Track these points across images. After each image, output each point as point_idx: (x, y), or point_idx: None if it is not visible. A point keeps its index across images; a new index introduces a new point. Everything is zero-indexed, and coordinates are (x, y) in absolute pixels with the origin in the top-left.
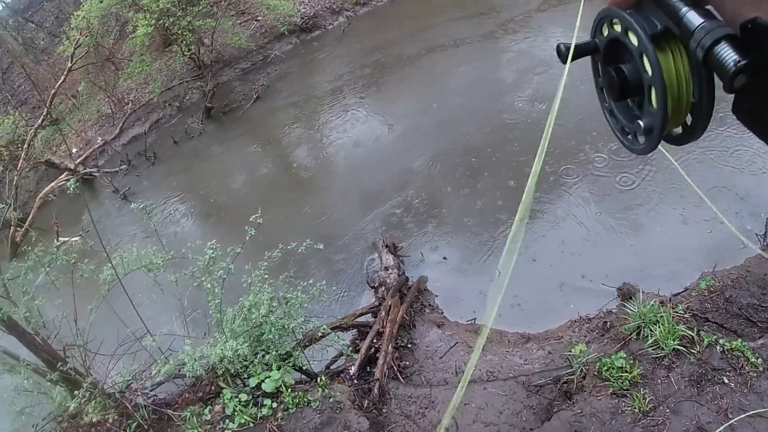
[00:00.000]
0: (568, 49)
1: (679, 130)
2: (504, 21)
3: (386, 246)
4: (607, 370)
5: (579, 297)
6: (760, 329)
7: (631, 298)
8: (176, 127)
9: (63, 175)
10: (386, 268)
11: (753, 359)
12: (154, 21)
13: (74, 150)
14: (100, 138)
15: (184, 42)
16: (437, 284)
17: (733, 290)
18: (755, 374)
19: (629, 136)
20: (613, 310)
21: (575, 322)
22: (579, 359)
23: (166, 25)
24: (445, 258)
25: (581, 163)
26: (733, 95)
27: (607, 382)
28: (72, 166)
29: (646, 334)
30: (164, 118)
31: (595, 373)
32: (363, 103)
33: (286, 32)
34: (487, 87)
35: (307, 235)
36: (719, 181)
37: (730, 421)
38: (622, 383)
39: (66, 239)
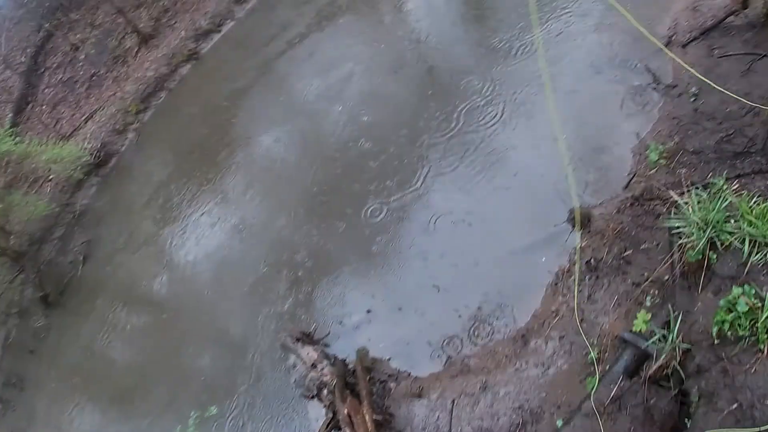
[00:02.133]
0: None
1: None
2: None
3: (297, 339)
4: (732, 325)
5: (527, 256)
6: (756, 154)
7: (589, 221)
8: (24, 336)
9: None
10: (313, 365)
11: None
12: None
13: None
14: None
15: None
16: (380, 345)
17: (689, 140)
18: None
19: None
20: (583, 245)
21: (555, 283)
22: (668, 335)
23: None
24: (369, 311)
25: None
26: None
27: (744, 341)
28: None
29: (727, 242)
30: (8, 333)
31: (715, 340)
32: (195, 204)
33: (84, 176)
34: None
35: (199, 379)
36: None
37: None
38: (765, 330)
39: None
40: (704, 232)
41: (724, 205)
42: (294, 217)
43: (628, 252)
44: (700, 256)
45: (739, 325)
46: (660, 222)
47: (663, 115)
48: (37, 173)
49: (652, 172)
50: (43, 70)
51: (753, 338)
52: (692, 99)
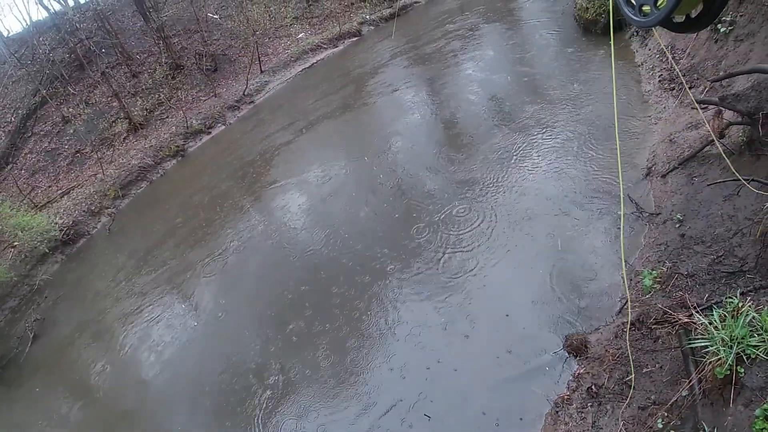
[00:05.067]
0: None
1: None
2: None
3: None
4: None
5: (522, 384)
6: (749, 272)
7: (585, 347)
8: None
9: None
10: None
11: None
12: None
13: None
14: None
15: None
16: None
17: (682, 264)
18: None
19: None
20: (579, 372)
21: (556, 412)
22: None
23: None
24: None
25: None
26: None
27: None
28: None
29: (753, 355)
30: None
31: None
32: (159, 304)
33: (48, 250)
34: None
35: None
36: None
37: None
38: None
39: None
40: (731, 348)
41: (747, 320)
42: (259, 338)
43: (630, 376)
44: (728, 372)
45: None
46: (659, 345)
47: (649, 241)
48: (2, 237)
49: (646, 297)
50: (30, 134)
51: None
52: (678, 225)
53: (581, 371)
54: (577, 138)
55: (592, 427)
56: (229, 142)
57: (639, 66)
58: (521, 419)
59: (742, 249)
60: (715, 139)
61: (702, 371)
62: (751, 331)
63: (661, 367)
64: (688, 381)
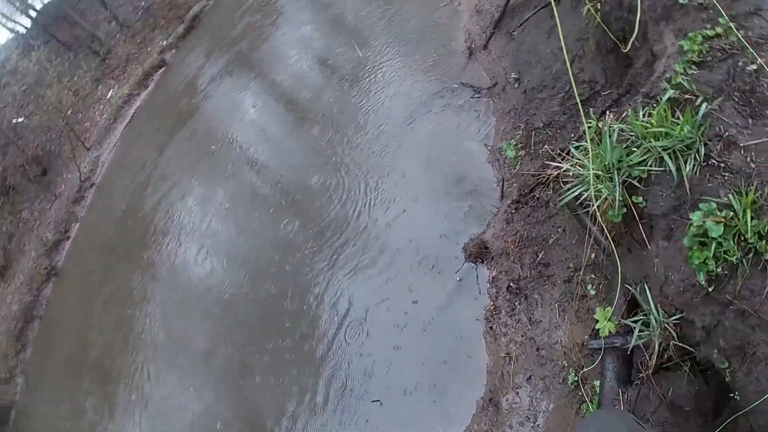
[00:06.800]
0: None
1: None
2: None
3: None
4: (717, 258)
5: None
6: (604, 89)
7: (486, 248)
8: None
9: None
10: None
11: None
12: None
13: None
14: None
15: None
16: None
17: (535, 119)
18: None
19: None
20: (492, 275)
21: (490, 327)
22: (649, 317)
23: None
24: None
25: None
26: None
27: (743, 266)
28: None
29: (644, 174)
30: None
31: (709, 288)
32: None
33: None
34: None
35: None
36: None
37: None
38: (758, 235)
39: None
40: (612, 180)
41: (615, 138)
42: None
43: (541, 254)
44: (624, 209)
45: (725, 252)
46: (552, 209)
47: (499, 115)
48: None
49: (517, 168)
50: None
51: (750, 255)
52: (516, 85)
53: (494, 274)
54: (398, 55)
55: (530, 324)
56: (89, 235)
57: None
58: (462, 352)
59: (586, 72)
60: None
61: (597, 222)
62: (627, 148)
63: (564, 230)
64: (588, 235)
